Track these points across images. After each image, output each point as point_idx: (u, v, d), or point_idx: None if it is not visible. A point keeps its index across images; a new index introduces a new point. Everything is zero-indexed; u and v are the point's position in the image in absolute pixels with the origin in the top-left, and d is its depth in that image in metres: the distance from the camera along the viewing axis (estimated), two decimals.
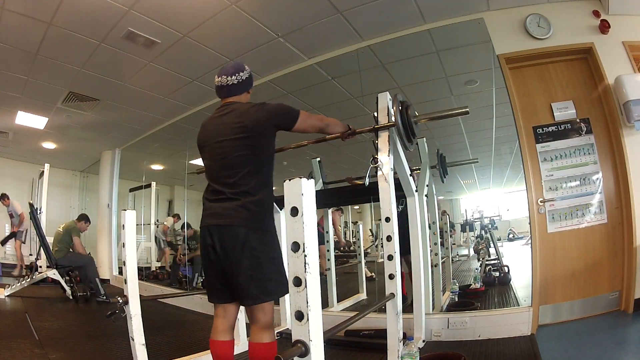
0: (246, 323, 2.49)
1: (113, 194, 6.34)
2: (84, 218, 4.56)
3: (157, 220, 6.61)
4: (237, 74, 1.58)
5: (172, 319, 3.57)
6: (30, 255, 6.29)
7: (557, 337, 2.30)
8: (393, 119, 1.98)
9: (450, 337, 2.42)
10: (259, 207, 1.45)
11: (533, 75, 2.84)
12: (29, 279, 4.14)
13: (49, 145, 5.92)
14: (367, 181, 2.18)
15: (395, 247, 1.95)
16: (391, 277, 1.93)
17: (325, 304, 3.16)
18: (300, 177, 0.99)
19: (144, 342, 1.84)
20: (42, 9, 2.63)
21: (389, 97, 2.13)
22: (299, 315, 0.98)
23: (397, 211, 3.14)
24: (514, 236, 4.58)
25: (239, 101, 1.59)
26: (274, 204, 1.61)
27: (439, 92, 3.78)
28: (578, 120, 2.72)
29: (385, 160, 1.97)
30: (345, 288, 3.89)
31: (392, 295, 1.89)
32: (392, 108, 2.01)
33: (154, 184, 6.47)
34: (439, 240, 3.33)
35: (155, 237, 6.29)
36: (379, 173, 1.98)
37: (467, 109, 2.00)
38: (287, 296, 2.75)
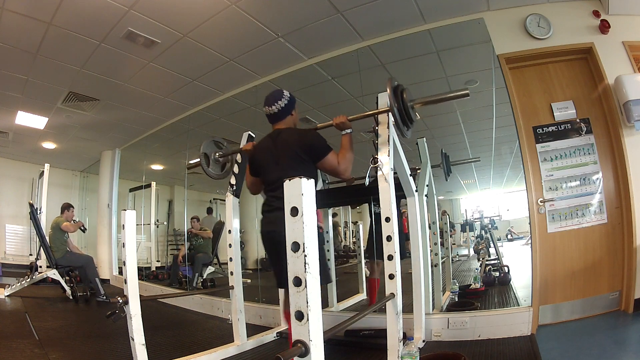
0: (247, 323, 2.50)
1: (113, 194, 6.34)
2: (66, 207, 4.54)
3: (157, 220, 6.61)
4: (276, 103, 1.90)
5: (172, 319, 3.57)
6: (30, 255, 6.30)
7: (557, 337, 2.30)
8: (388, 104, 1.88)
9: (450, 337, 2.42)
10: None
11: (533, 75, 2.84)
12: (29, 279, 4.14)
13: (49, 145, 5.92)
14: (367, 181, 2.18)
15: (395, 247, 1.95)
16: (391, 277, 1.93)
17: (325, 304, 3.16)
18: (300, 177, 0.99)
19: (144, 342, 1.84)
20: (42, 9, 2.63)
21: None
22: (299, 315, 0.98)
23: (378, 212, 3.16)
24: (512, 236, 4.58)
25: (286, 125, 1.94)
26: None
27: (439, 92, 3.77)
28: (578, 120, 2.72)
29: (385, 160, 1.97)
30: (345, 288, 3.89)
31: (392, 295, 1.89)
32: (387, 92, 1.89)
33: (154, 184, 6.47)
34: (439, 240, 3.33)
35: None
36: (379, 173, 1.98)
37: (468, 91, 1.86)
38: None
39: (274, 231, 1.77)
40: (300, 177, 1.00)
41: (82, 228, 4.55)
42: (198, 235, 5.21)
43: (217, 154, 2.50)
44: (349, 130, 1.94)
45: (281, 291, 2.51)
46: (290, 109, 1.94)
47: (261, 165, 1.95)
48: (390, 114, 1.92)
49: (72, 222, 4.45)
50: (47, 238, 4.32)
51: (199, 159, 2.49)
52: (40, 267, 4.57)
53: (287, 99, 1.92)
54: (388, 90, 1.85)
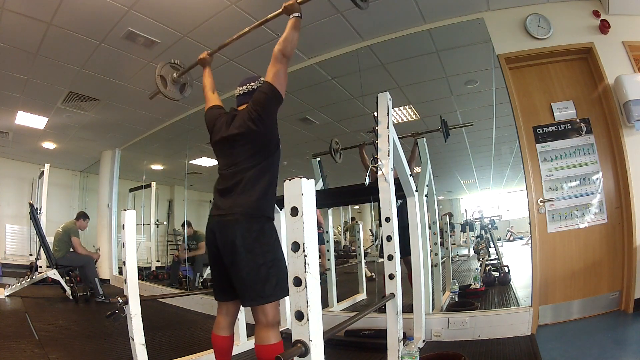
0: (247, 323, 2.50)
1: (113, 194, 6.34)
2: (82, 216, 4.55)
3: (157, 220, 6.60)
4: (247, 84, 1.71)
5: (172, 319, 3.57)
6: (30, 255, 6.30)
7: (557, 337, 2.30)
8: None
9: (450, 337, 2.42)
10: (259, 202, 1.47)
11: (533, 75, 2.84)
12: (29, 279, 4.14)
13: (49, 145, 5.92)
14: (367, 181, 2.18)
15: (395, 247, 1.95)
16: (391, 277, 1.93)
17: (325, 304, 3.16)
18: (300, 177, 0.99)
19: (144, 342, 1.84)
20: (42, 9, 2.63)
21: (389, 97, 2.14)
22: (299, 315, 0.98)
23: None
24: (512, 236, 4.58)
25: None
26: (275, 204, 1.61)
27: (439, 92, 3.78)
28: (578, 120, 2.72)
29: (385, 160, 1.97)
30: (345, 288, 3.89)
31: (392, 295, 1.89)
32: None
33: (154, 184, 6.47)
34: (439, 240, 3.33)
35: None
36: (379, 173, 1.98)
37: None
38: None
39: (220, 216, 1.48)
40: (300, 177, 1.00)
41: (96, 257, 4.54)
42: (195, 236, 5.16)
43: (175, 74, 2.31)
44: (296, 14, 1.79)
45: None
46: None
47: (214, 144, 1.68)
48: None
49: (83, 234, 4.45)
50: (53, 237, 4.31)
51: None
52: (40, 267, 4.57)
53: (259, 83, 1.71)
54: None
